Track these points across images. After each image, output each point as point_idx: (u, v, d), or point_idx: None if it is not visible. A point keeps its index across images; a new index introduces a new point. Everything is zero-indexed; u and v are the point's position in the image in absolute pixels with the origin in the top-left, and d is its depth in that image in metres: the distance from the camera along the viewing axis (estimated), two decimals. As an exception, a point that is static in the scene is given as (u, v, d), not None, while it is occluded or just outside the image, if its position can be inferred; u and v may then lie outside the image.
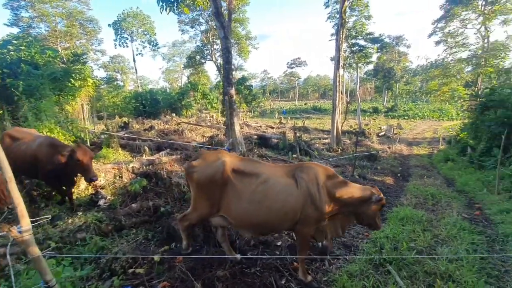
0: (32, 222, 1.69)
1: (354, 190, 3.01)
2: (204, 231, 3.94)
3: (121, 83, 51.56)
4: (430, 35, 27.27)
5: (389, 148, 15.94)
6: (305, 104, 58.81)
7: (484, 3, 23.73)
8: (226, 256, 3.24)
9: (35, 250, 1.69)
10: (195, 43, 38.97)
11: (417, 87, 42.66)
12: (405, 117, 37.68)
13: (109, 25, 38.97)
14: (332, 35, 27.99)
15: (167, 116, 24.96)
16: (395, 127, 25.61)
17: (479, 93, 17.35)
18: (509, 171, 7.91)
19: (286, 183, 2.84)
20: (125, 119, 19.75)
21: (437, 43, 27.16)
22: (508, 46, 23.54)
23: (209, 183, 2.81)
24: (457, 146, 14.93)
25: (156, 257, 2.90)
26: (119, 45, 40.02)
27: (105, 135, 11.43)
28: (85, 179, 4.51)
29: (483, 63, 23.47)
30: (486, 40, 24.71)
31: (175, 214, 4.13)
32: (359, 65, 29.55)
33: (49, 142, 4.57)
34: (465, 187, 8.41)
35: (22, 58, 11.42)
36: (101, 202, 4.76)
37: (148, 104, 29.14)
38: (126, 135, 12.39)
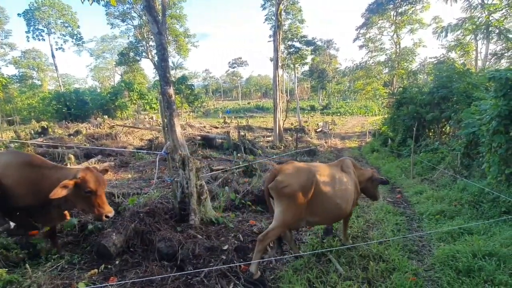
0: None
1: (365, 172, 3.98)
2: (142, 245, 3.59)
3: (38, 82, 44.51)
4: (354, 40, 30.43)
5: (325, 142, 17.22)
6: (248, 103, 59.71)
7: (395, 14, 27.55)
8: (163, 275, 2.97)
9: None
10: (128, 38, 35.90)
11: (346, 86, 47.35)
12: (338, 114, 41.46)
13: (18, 14, 33.15)
14: (270, 36, 28.96)
15: (98, 119, 22.49)
16: (330, 123, 27.88)
17: (395, 91, 20.07)
18: (420, 158, 9.28)
19: (346, 177, 3.52)
20: (44, 123, 17.09)
21: (360, 47, 30.48)
22: (414, 51, 27.84)
23: (303, 193, 3.07)
24: (380, 138, 16.95)
25: (81, 285, 2.49)
26: (33, 38, 34.43)
27: (16, 144, 9.67)
28: (94, 217, 3.23)
29: (396, 66, 27.25)
30: (398, 46, 28.71)
31: (105, 230, 3.66)
32: (296, 65, 31.29)
33: (24, 160, 3.13)
34: (388, 174, 9.54)
35: None
36: (7, 225, 3.92)
37: (74, 106, 25.81)
38: (45, 142, 10.70)
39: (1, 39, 35.65)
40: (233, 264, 3.27)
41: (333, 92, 53.44)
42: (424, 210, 5.44)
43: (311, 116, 36.70)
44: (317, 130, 24.32)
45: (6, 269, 2.93)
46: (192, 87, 37.38)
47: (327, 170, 3.42)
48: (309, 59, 34.27)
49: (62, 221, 3.51)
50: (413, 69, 26.66)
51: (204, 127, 21.72)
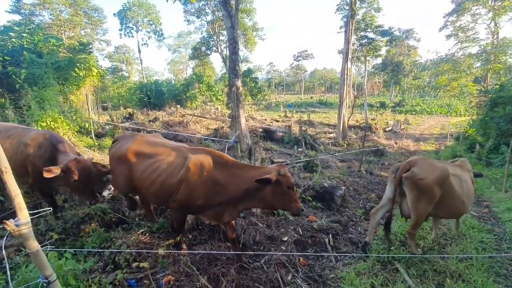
0: (31, 214, 1.62)
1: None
2: (210, 225, 3.89)
3: (126, 74, 51.47)
4: (441, 29, 26.60)
5: (395, 143, 15.72)
6: (311, 97, 58.18)
7: (493, -2, 23.04)
8: (232, 252, 3.18)
9: (34, 244, 1.62)
10: (201, 34, 38.55)
11: (426, 81, 41.78)
12: (413, 112, 37.07)
13: (114, 14, 38.68)
14: (340, 27, 27.48)
15: (171, 108, 24.93)
16: (402, 122, 25.25)
17: (488, 89, 16.97)
18: (518, 169, 7.72)
19: (468, 176, 3.80)
20: (130, 110, 19.74)
21: (448, 37, 26.49)
22: (516, 43, 22.90)
23: (438, 187, 3.29)
24: (465, 142, 14.68)
25: (161, 251, 2.84)
26: (125, 35, 39.81)
27: (110, 126, 11.41)
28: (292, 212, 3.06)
29: (492, 59, 22.89)
30: (495, 36, 24.04)
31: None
32: (368, 58, 29.07)
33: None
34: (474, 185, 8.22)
35: (25, 46, 11.26)
36: (105, 193, 4.71)
37: (153, 96, 29.06)
38: (131, 126, 12.37)
39: (100, 36, 42.08)
40: (294, 253, 3.29)
41: (408, 87, 47.83)
42: (519, 230, 4.56)
43: (380, 114, 33.74)
44: (386, 129, 22.30)
45: (103, 229, 3.54)
46: (256, 80, 38.22)
47: (457, 169, 3.65)
48: (383, 50, 31.41)
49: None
50: (513, 64, 22.07)
51: (265, 120, 22.06)
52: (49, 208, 1.81)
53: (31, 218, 1.63)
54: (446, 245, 4.03)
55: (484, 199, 6.86)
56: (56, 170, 3.21)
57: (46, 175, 3.11)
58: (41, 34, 12.53)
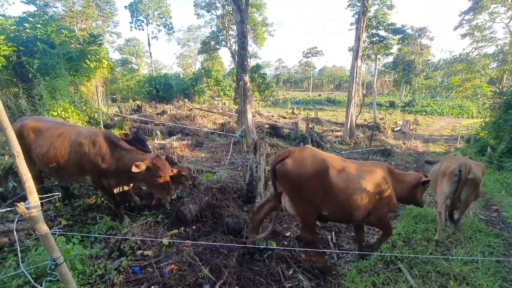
0: (41, 198, 1.66)
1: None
2: (213, 217, 3.93)
3: (136, 67, 51.88)
4: (456, 28, 25.82)
5: (404, 144, 15.49)
6: (319, 95, 57.68)
7: (515, -4, 22.17)
8: (235, 245, 3.22)
9: (43, 227, 1.67)
10: (211, 28, 38.46)
11: (438, 82, 40.84)
12: (423, 113, 36.38)
13: (125, 7, 38.84)
14: (351, 24, 26.98)
15: (179, 102, 25.08)
16: (411, 122, 24.83)
17: (504, 90, 16.50)
18: (531, 174, 7.55)
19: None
20: (138, 102, 19.92)
21: (463, 36, 25.72)
22: (537, 43, 22.08)
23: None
24: (476, 145, 14.38)
25: (165, 240, 2.89)
26: (135, 27, 39.94)
27: (119, 118, 11.56)
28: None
29: (510, 60, 22.15)
30: (514, 36, 23.22)
31: (184, 199, 4.12)
32: (378, 56, 28.46)
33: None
34: (483, 187, 8.07)
35: (38, 37, 11.48)
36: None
37: (162, 89, 29.27)
38: (139, 118, 12.50)
39: (111, 29, 42.37)
40: (296, 248, 3.30)
41: (419, 87, 46.78)
42: (529, 236, 4.46)
43: (389, 113, 33.25)
44: (395, 129, 21.98)
45: (109, 217, 3.62)
46: (265, 76, 38.05)
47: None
48: (394, 49, 30.66)
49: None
50: (533, 65, 21.31)
51: (272, 116, 22.00)
52: (58, 194, 1.86)
53: (41, 203, 1.68)
54: (451, 247, 3.98)
55: (493, 203, 6.73)
56: (143, 166, 3.21)
57: (134, 170, 3.15)
58: (54, 25, 12.74)
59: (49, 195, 1.76)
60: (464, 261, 3.46)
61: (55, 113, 7.18)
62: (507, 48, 23.28)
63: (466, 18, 24.83)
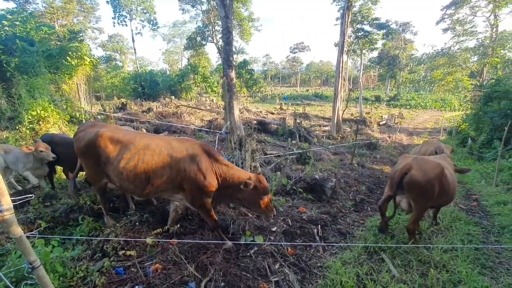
0: (13, 201, 1.61)
1: None
2: (199, 215, 3.91)
3: (120, 64, 50.62)
4: (438, 22, 26.38)
5: (389, 137, 15.84)
6: (307, 90, 58.03)
7: (495, -11, 22.80)
8: (220, 241, 3.22)
9: (17, 230, 1.62)
10: (196, 23, 37.79)
11: (421, 76, 41.84)
12: (407, 107, 37.28)
13: (107, 1, 37.66)
14: (337, 19, 27.09)
15: (166, 99, 24.70)
16: (396, 116, 25.40)
17: (484, 83, 17.06)
18: (508, 164, 7.86)
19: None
20: (123, 100, 19.50)
21: (445, 30, 26.33)
22: (516, 36, 22.81)
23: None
24: (457, 137, 14.85)
25: (149, 240, 2.86)
26: (118, 23, 38.82)
27: (102, 116, 11.29)
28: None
29: (490, 53, 22.88)
30: (494, 29, 23.95)
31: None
32: (364, 51, 28.79)
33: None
34: (463, 178, 8.37)
35: (17, 34, 11.03)
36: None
37: (147, 86, 28.70)
38: (123, 116, 12.25)
39: (93, 24, 41.05)
40: (282, 243, 3.33)
41: (404, 81, 47.81)
42: (506, 224, 4.67)
43: (375, 108, 33.87)
44: (381, 123, 22.44)
45: (92, 218, 3.54)
46: (252, 72, 37.88)
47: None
48: (379, 44, 31.07)
49: None
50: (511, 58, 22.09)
51: (261, 112, 22.00)
52: (31, 195, 1.80)
53: (20, 206, 1.62)
54: (431, 236, 4.11)
55: (473, 193, 6.98)
56: (251, 184, 2.97)
57: (244, 187, 2.97)
58: (33, 22, 12.26)
59: (22, 197, 1.70)
60: (444, 249, 3.58)
61: (34, 113, 6.93)
62: (487, 42, 24.00)
63: (448, 13, 25.41)
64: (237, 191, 3.10)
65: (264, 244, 3.39)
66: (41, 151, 4.23)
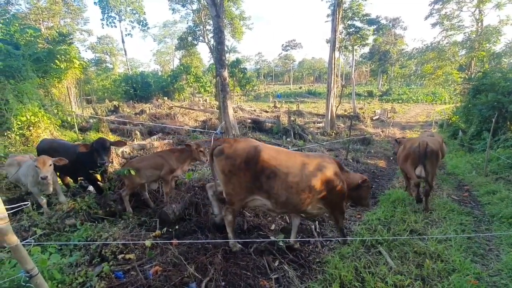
0: (8, 209, 1.59)
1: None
2: (197, 214, 3.91)
3: (111, 66, 49.94)
4: (426, 17, 26.73)
5: (382, 131, 16.02)
6: (300, 88, 58.20)
7: (479, -15, 23.19)
8: (220, 241, 3.23)
9: (13, 239, 1.60)
10: (187, 23, 37.43)
11: (412, 70, 42.36)
12: (399, 101, 37.72)
13: (94, 2, 37.05)
14: (328, 15, 27.21)
15: (159, 100, 24.50)
16: (389, 111, 25.68)
17: (472, 76, 17.35)
18: (496, 154, 8.03)
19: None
20: (115, 102, 19.28)
21: (434, 25, 26.69)
22: (500, 30, 23.28)
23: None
24: (448, 129, 15.08)
25: (148, 242, 2.85)
26: (107, 25, 38.27)
27: (94, 119, 11.14)
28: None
29: (476, 47, 23.29)
30: (480, 24, 24.39)
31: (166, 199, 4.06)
32: (355, 47, 29.02)
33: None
34: (455, 169, 8.54)
35: (0, 37, 10.79)
36: (90, 187, 4.63)
37: (139, 88, 28.38)
38: (116, 119, 12.11)
39: (81, 26, 40.36)
40: (281, 239, 3.35)
41: (395, 76, 48.35)
42: (496, 212, 4.81)
43: (368, 103, 34.20)
44: (374, 118, 22.68)
45: (89, 223, 3.51)
46: (245, 70, 37.78)
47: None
48: (370, 39, 31.29)
49: None
50: (496, 51, 22.49)
51: (255, 110, 22.01)
52: (27, 203, 1.78)
53: (13, 214, 1.60)
54: (426, 227, 4.20)
55: (465, 184, 7.13)
56: (368, 180, 3.58)
57: (362, 183, 3.52)
58: (17, 25, 12.00)
59: (16, 205, 1.68)
60: (438, 240, 3.66)
61: (23, 118, 6.80)
62: (474, 36, 24.43)
63: (435, 8, 25.76)
64: (353, 190, 3.53)
65: (264, 241, 3.40)
66: (36, 166, 3.45)
